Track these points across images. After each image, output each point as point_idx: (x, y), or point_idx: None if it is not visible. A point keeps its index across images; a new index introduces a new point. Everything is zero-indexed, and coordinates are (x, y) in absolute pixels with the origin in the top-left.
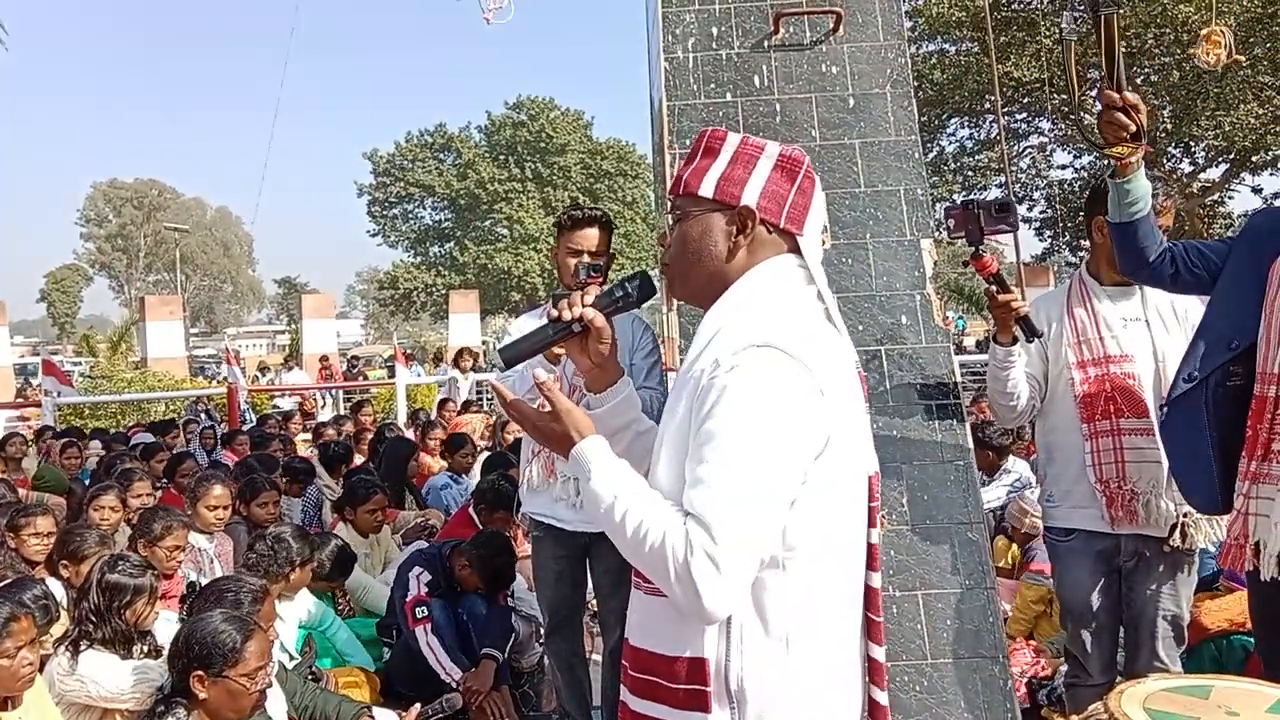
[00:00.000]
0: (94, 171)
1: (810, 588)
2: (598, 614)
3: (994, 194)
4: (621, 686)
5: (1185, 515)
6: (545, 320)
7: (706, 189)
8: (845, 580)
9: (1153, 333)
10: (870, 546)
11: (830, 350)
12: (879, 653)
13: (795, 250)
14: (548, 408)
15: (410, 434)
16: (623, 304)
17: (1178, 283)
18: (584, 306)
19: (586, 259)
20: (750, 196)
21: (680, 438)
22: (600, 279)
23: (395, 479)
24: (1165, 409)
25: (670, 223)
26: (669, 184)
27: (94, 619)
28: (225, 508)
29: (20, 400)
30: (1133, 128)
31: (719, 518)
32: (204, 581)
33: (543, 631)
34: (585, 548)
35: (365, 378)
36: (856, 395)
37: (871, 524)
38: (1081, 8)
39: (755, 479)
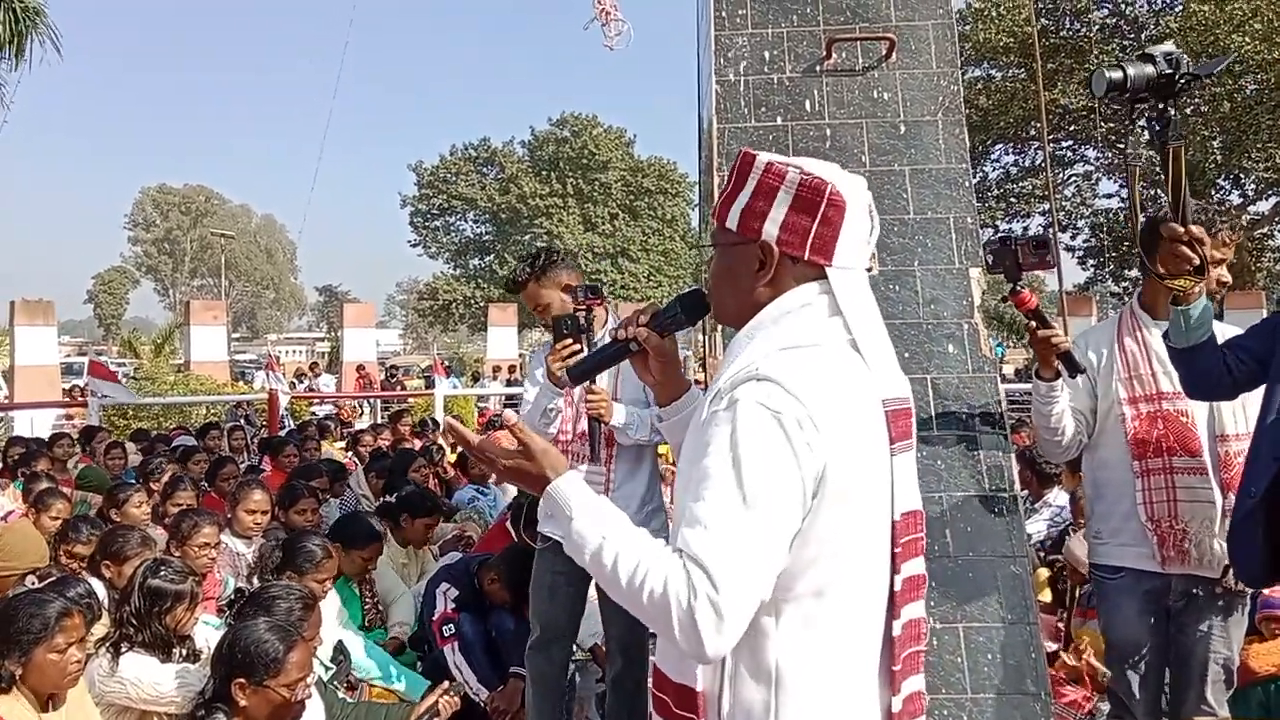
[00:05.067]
0: (143, 176)
1: (808, 628)
2: (604, 639)
3: (1038, 221)
4: None
5: None
6: (542, 364)
7: (732, 222)
8: (853, 624)
9: None
10: (892, 593)
11: (844, 384)
12: (897, 703)
13: (825, 278)
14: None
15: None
16: (675, 322)
17: (1238, 387)
18: (639, 326)
19: (584, 284)
20: (770, 231)
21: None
22: (597, 299)
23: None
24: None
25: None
26: (716, 201)
27: (135, 622)
28: (264, 513)
29: (68, 400)
30: (1197, 261)
31: (720, 563)
32: (242, 585)
33: (529, 643)
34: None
35: (403, 387)
36: (876, 433)
37: (894, 569)
38: (1145, 134)
39: (749, 521)
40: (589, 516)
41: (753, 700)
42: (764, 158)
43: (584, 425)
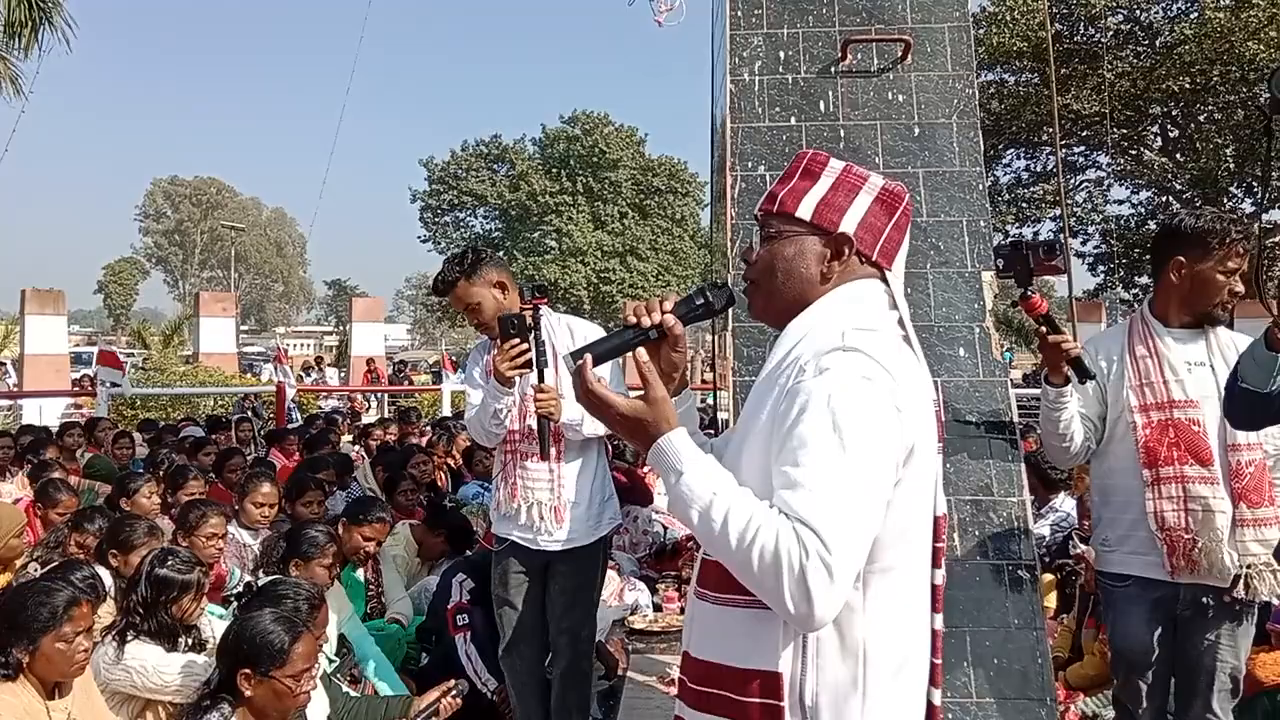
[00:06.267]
0: (155, 167)
1: (885, 604)
2: (550, 634)
3: (1049, 226)
4: (676, 701)
5: (1248, 566)
6: (480, 364)
7: (804, 211)
8: (917, 606)
9: (1218, 378)
10: (934, 587)
11: (910, 372)
12: (935, 695)
13: (882, 281)
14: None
15: None
16: (702, 312)
17: None
18: (663, 313)
19: (530, 284)
20: (849, 224)
21: (764, 442)
22: (543, 298)
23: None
24: None
25: (756, 239)
26: (728, 200)
27: (141, 611)
28: (272, 505)
29: (77, 389)
30: None
31: (828, 523)
32: (248, 577)
33: (500, 648)
34: (545, 566)
35: (411, 382)
36: (931, 427)
37: (935, 564)
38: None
39: (855, 483)
40: (699, 472)
41: (840, 677)
42: (840, 161)
43: (531, 422)
